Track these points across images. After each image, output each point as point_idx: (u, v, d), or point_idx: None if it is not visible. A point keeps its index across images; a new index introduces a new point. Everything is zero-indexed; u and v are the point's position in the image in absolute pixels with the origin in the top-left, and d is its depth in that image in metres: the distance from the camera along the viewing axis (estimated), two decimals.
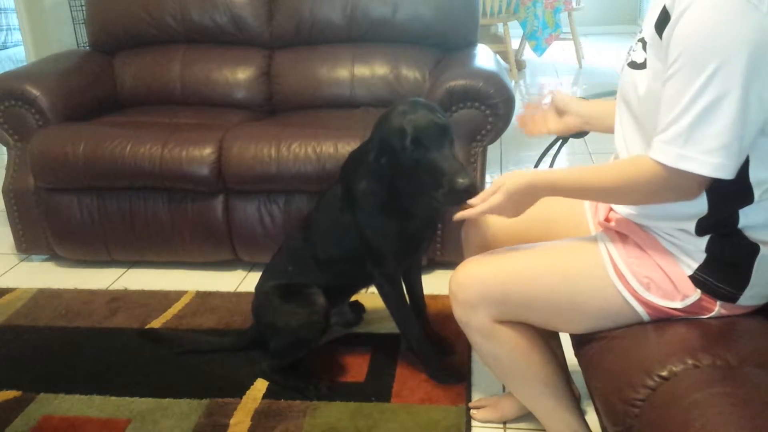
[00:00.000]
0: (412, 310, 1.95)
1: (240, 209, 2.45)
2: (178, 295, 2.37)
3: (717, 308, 1.19)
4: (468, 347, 1.96)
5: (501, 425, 1.69)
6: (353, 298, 2.09)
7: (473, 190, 1.37)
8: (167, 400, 1.81)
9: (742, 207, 1.14)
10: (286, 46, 2.92)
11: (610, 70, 5.59)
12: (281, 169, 2.32)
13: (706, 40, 1.01)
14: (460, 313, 1.34)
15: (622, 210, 1.29)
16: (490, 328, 1.33)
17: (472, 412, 1.71)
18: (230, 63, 2.90)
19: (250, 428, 1.70)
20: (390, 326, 1.98)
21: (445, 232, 2.37)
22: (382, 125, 1.58)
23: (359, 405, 1.76)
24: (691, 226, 1.17)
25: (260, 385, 1.85)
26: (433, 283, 2.26)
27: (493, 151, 3.56)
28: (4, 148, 2.69)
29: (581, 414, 1.45)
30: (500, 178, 1.25)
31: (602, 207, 1.40)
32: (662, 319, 1.23)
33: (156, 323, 2.20)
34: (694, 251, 1.18)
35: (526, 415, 1.66)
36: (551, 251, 1.33)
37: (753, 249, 1.15)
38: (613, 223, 1.32)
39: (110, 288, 2.48)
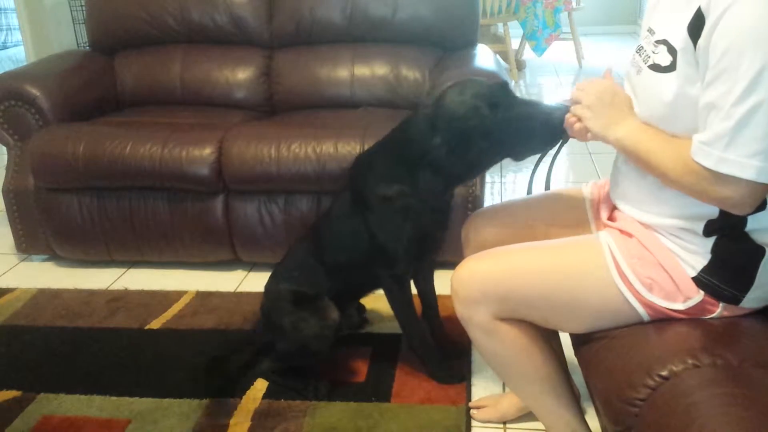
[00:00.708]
0: (425, 312, 1.96)
1: (240, 209, 2.45)
2: (178, 295, 2.37)
3: (719, 310, 1.19)
4: (468, 348, 1.96)
5: (501, 425, 1.69)
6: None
7: (564, 115, 1.35)
8: (167, 400, 1.81)
9: (754, 213, 1.13)
10: (286, 46, 2.93)
11: None
12: (281, 169, 2.32)
13: (751, 40, 0.99)
14: (461, 310, 1.34)
15: (628, 209, 1.29)
16: (490, 325, 1.33)
17: (473, 411, 1.71)
18: (230, 63, 2.90)
19: (250, 428, 1.70)
20: (390, 326, 1.99)
21: (446, 232, 2.36)
22: (443, 113, 1.51)
23: (359, 405, 1.76)
24: (700, 226, 1.17)
25: (260, 385, 1.85)
26: (437, 282, 2.26)
27: None
28: (4, 148, 2.69)
29: (581, 413, 1.45)
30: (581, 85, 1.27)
31: (606, 206, 1.41)
32: (662, 319, 1.23)
33: (156, 323, 2.20)
34: (700, 252, 1.18)
35: (526, 415, 1.67)
36: (553, 249, 1.33)
37: (759, 251, 1.15)
38: (617, 222, 1.32)
39: (110, 288, 2.48)
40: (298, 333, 1.75)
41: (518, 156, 1.52)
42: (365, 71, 2.79)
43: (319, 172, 2.30)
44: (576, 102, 1.28)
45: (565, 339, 1.48)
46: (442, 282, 2.30)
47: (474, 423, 1.70)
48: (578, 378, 1.48)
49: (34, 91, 2.56)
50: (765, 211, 1.13)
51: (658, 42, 1.17)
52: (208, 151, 2.38)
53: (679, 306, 1.20)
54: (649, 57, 1.19)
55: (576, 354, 1.34)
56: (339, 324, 1.77)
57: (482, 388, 1.83)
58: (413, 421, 1.69)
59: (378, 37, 2.83)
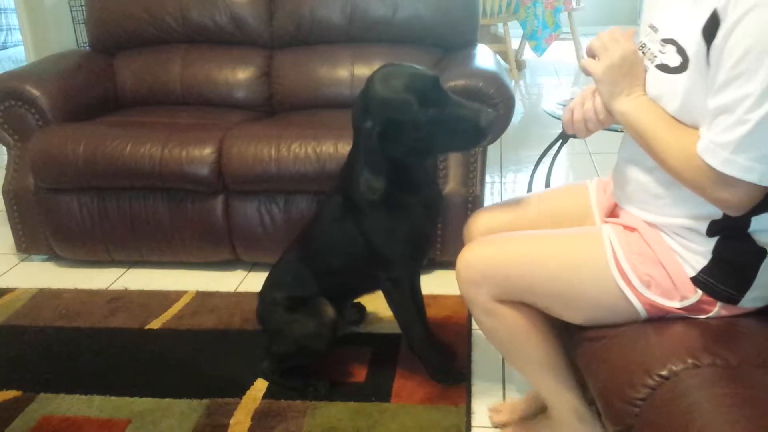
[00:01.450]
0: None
1: (240, 209, 2.45)
2: (178, 295, 2.37)
3: (717, 309, 1.19)
4: (468, 349, 1.96)
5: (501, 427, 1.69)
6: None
7: (492, 121, 1.48)
8: (167, 400, 1.81)
9: (757, 215, 1.13)
10: (286, 46, 2.93)
11: None
12: (281, 169, 2.32)
13: None
14: (464, 290, 1.39)
15: (633, 210, 1.30)
16: (491, 307, 1.36)
17: (490, 414, 1.70)
18: (230, 63, 2.90)
19: (250, 428, 1.70)
20: (390, 326, 1.99)
21: (445, 232, 2.37)
22: (373, 102, 1.52)
23: (359, 405, 1.76)
24: (703, 226, 1.17)
25: (260, 385, 1.85)
26: (433, 284, 2.26)
27: (493, 151, 3.57)
28: (4, 148, 2.69)
29: (586, 398, 1.45)
30: (617, 44, 1.23)
31: (608, 203, 1.41)
32: (660, 317, 1.23)
33: (156, 323, 2.20)
34: (701, 252, 1.18)
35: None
36: (555, 239, 1.35)
37: (760, 253, 1.15)
38: (621, 218, 1.32)
39: (110, 288, 2.48)
40: (295, 335, 1.75)
41: (442, 151, 1.54)
42: (365, 71, 2.79)
43: (319, 172, 2.30)
44: (593, 51, 1.25)
45: None
46: (442, 282, 2.32)
47: (474, 423, 1.70)
48: None
49: (34, 91, 2.56)
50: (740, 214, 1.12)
51: (665, 41, 1.17)
52: (208, 151, 2.38)
53: (676, 304, 1.20)
54: (656, 56, 1.19)
55: (576, 354, 1.34)
56: (336, 321, 1.76)
57: (482, 389, 1.83)
58: (413, 421, 1.69)
59: (378, 37, 2.83)
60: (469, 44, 2.78)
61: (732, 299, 1.18)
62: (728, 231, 1.16)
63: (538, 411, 1.62)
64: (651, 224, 1.26)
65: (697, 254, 1.19)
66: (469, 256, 1.37)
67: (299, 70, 2.85)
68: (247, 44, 2.94)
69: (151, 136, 2.43)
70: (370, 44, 2.83)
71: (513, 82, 5.23)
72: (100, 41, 3.04)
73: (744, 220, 1.14)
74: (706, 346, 1.08)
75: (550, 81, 5.53)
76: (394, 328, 1.89)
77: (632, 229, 1.26)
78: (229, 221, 2.46)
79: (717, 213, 1.15)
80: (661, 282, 1.21)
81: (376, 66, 2.73)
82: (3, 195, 2.61)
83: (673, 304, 1.20)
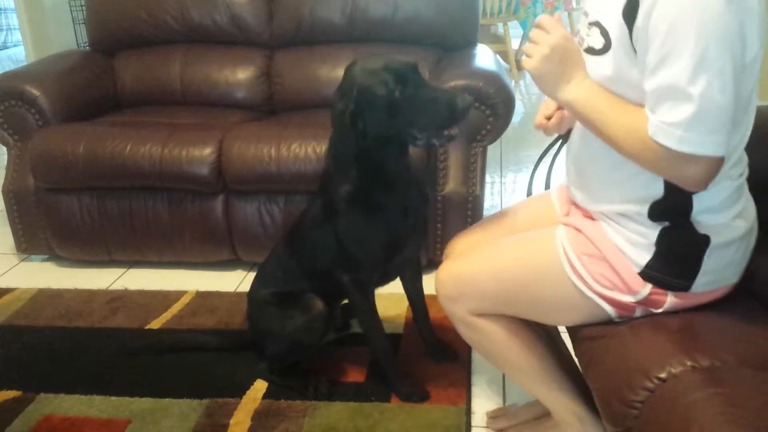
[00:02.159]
0: (415, 317, 1.95)
1: (240, 209, 2.45)
2: (178, 295, 2.37)
3: (669, 299, 1.21)
4: (468, 349, 1.96)
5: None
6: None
7: (470, 106, 1.48)
8: (167, 400, 1.81)
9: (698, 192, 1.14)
10: (286, 46, 2.93)
11: None
12: (281, 169, 2.32)
13: (694, 18, 0.99)
14: (443, 306, 1.43)
15: (579, 196, 1.32)
16: (470, 321, 1.40)
17: (488, 420, 1.70)
18: (230, 63, 2.90)
19: (250, 428, 1.70)
20: (389, 326, 1.98)
21: (445, 232, 2.37)
22: (348, 84, 1.52)
23: (359, 405, 1.76)
24: (645, 210, 1.18)
25: (260, 385, 1.85)
26: (433, 284, 2.26)
27: (493, 151, 3.57)
28: (4, 148, 2.69)
29: (583, 398, 1.46)
30: (544, 35, 1.19)
31: (565, 202, 1.43)
32: (630, 315, 1.24)
33: (156, 323, 2.20)
34: (644, 245, 1.19)
35: None
36: (514, 245, 1.38)
37: (703, 241, 1.16)
38: (570, 218, 1.35)
39: (110, 288, 2.48)
40: (286, 331, 1.75)
41: (417, 129, 1.52)
42: None
43: (319, 172, 2.30)
44: (533, 42, 1.21)
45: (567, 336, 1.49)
46: None
47: (474, 423, 1.70)
48: None
49: (34, 91, 2.56)
50: (709, 191, 1.13)
51: (591, 24, 1.17)
52: (208, 151, 2.38)
53: (630, 298, 1.22)
54: (584, 40, 1.20)
55: (576, 355, 1.35)
56: (326, 314, 1.75)
57: (482, 389, 1.83)
58: (413, 421, 1.69)
59: (378, 37, 2.83)
60: (469, 44, 2.78)
61: (682, 287, 1.19)
62: (671, 216, 1.17)
63: (543, 413, 1.62)
64: (595, 219, 1.28)
65: (641, 248, 1.20)
66: (443, 274, 1.42)
67: (299, 70, 2.86)
68: (247, 44, 2.94)
69: (151, 136, 2.43)
70: (370, 44, 2.83)
71: (513, 82, 5.23)
72: (100, 41, 3.04)
73: (686, 200, 1.15)
74: (704, 348, 1.08)
75: None
76: (394, 328, 1.89)
77: (579, 231, 1.28)
78: (229, 221, 2.46)
79: (658, 194, 1.16)
80: (612, 279, 1.23)
81: None
82: (3, 195, 2.61)
83: (628, 298, 1.22)
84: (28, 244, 2.65)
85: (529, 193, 1.80)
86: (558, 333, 1.61)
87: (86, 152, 2.41)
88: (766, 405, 0.94)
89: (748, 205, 1.22)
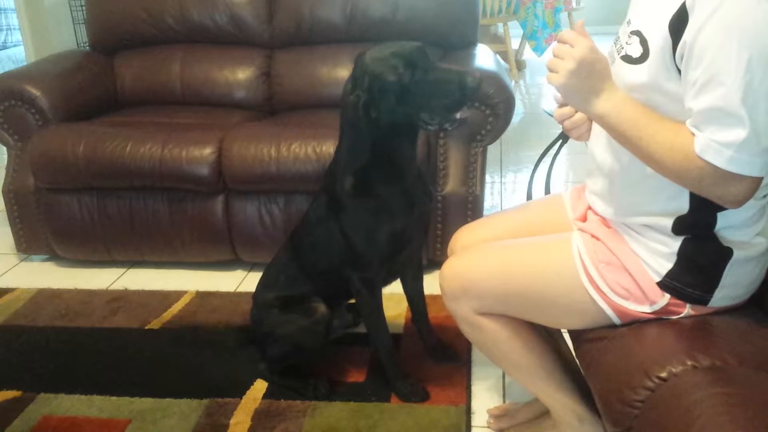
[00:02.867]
0: (415, 318, 1.95)
1: (240, 209, 2.45)
2: (178, 295, 2.37)
3: (686, 310, 1.20)
4: (468, 348, 1.96)
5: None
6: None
7: (480, 83, 1.47)
8: (167, 400, 1.81)
9: (723, 209, 1.13)
10: (286, 46, 2.93)
11: None
12: (281, 169, 2.32)
13: (745, 40, 0.98)
14: (446, 304, 1.42)
15: (600, 205, 1.30)
16: (473, 319, 1.39)
17: (488, 420, 1.70)
18: (230, 63, 2.90)
19: (250, 428, 1.70)
20: (389, 327, 1.98)
21: (445, 232, 2.37)
22: (359, 73, 1.53)
23: (359, 405, 1.76)
24: (669, 223, 1.17)
25: (260, 385, 1.85)
26: (433, 284, 2.25)
27: (493, 151, 3.57)
28: (4, 148, 2.69)
29: (583, 397, 1.46)
30: (568, 49, 1.16)
31: (579, 206, 1.42)
32: (635, 322, 1.23)
33: (156, 323, 2.20)
34: (666, 254, 1.19)
35: None
36: (527, 248, 1.37)
37: (726, 253, 1.15)
38: (587, 224, 1.33)
39: (110, 288, 2.48)
40: (289, 334, 1.76)
41: (431, 114, 1.51)
42: None
43: (319, 172, 2.30)
44: (557, 57, 1.18)
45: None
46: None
47: (474, 423, 1.70)
48: None
49: (34, 91, 2.56)
50: (736, 210, 1.12)
51: (632, 33, 1.16)
52: (208, 151, 2.38)
53: (646, 309, 1.21)
54: (623, 48, 1.18)
55: (576, 355, 1.35)
56: (328, 318, 1.76)
57: (482, 389, 1.83)
58: (413, 421, 1.69)
59: (378, 37, 2.81)
60: (469, 44, 2.78)
61: (701, 300, 1.19)
62: (694, 230, 1.16)
63: (543, 413, 1.62)
64: (615, 228, 1.27)
65: (662, 257, 1.19)
66: (447, 271, 1.40)
67: (299, 70, 2.85)
68: (247, 44, 2.94)
69: (151, 136, 2.43)
70: (370, 44, 2.80)
71: (513, 82, 5.24)
72: (100, 41, 3.04)
73: (710, 216, 1.15)
74: (704, 348, 1.08)
75: None
76: (394, 328, 1.89)
77: (598, 239, 1.27)
78: (229, 221, 2.46)
79: (683, 209, 1.15)
80: (630, 288, 1.22)
81: None
82: (3, 195, 2.61)
83: (643, 309, 1.22)
84: (28, 244, 2.65)
85: (529, 194, 1.80)
86: (560, 333, 1.61)
87: (86, 152, 2.41)
88: (766, 405, 0.93)
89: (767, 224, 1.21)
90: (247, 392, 1.83)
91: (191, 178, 2.38)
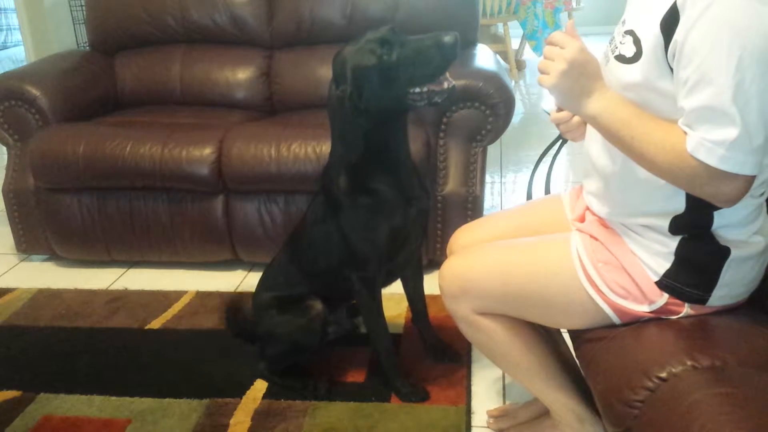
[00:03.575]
0: (415, 318, 1.95)
1: (240, 209, 2.45)
2: (178, 295, 2.37)
3: (685, 310, 1.21)
4: (468, 348, 1.96)
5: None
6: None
7: (457, 39, 1.44)
8: (167, 400, 1.81)
9: (719, 209, 1.13)
10: (286, 46, 2.93)
11: None
12: (281, 169, 2.32)
13: (736, 39, 0.98)
14: (445, 303, 1.42)
15: (597, 206, 1.31)
16: (472, 319, 1.39)
17: (488, 420, 1.70)
18: (230, 63, 2.90)
19: (250, 428, 1.70)
20: (389, 327, 1.98)
21: (445, 232, 2.37)
22: (340, 69, 1.56)
23: (359, 405, 1.76)
24: (666, 223, 1.18)
25: (260, 385, 1.85)
26: (433, 284, 2.25)
27: (493, 151, 3.57)
28: (4, 148, 2.69)
29: (583, 397, 1.46)
30: (559, 50, 1.16)
31: (577, 206, 1.42)
32: (635, 321, 1.24)
33: (156, 323, 2.20)
34: (664, 253, 1.19)
35: None
36: (525, 248, 1.37)
37: (724, 252, 1.16)
38: (585, 224, 1.33)
39: (110, 288, 2.48)
40: (286, 333, 1.76)
41: (416, 84, 1.51)
42: None
43: (319, 172, 2.29)
44: (548, 58, 1.17)
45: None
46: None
47: (474, 423, 1.70)
48: None
49: (34, 91, 2.56)
50: (731, 207, 1.12)
51: (626, 33, 1.16)
52: (208, 151, 2.38)
53: (645, 308, 1.22)
54: (617, 47, 1.19)
55: (576, 356, 1.35)
56: (324, 315, 1.76)
57: (482, 389, 1.83)
58: (413, 421, 1.69)
59: None
60: (470, 44, 2.78)
61: (699, 299, 1.19)
62: (692, 229, 1.17)
63: (543, 413, 1.62)
64: (614, 228, 1.27)
65: (660, 257, 1.19)
66: (447, 271, 1.40)
67: (299, 70, 2.85)
68: (247, 44, 2.94)
69: (151, 136, 2.43)
70: None
71: (513, 82, 5.24)
72: (100, 41, 3.04)
73: (707, 215, 1.15)
74: (704, 348, 1.08)
75: None
76: (394, 328, 1.89)
77: (596, 239, 1.28)
78: (229, 221, 2.46)
79: (679, 208, 1.16)
80: (628, 288, 1.22)
81: None
82: (3, 195, 2.61)
83: (642, 308, 1.22)
84: (28, 244, 2.65)
85: (529, 194, 1.80)
86: (559, 333, 1.61)
87: (86, 152, 2.41)
88: (766, 405, 0.93)
89: (766, 222, 1.21)
90: (247, 392, 1.83)
91: (191, 178, 2.38)
